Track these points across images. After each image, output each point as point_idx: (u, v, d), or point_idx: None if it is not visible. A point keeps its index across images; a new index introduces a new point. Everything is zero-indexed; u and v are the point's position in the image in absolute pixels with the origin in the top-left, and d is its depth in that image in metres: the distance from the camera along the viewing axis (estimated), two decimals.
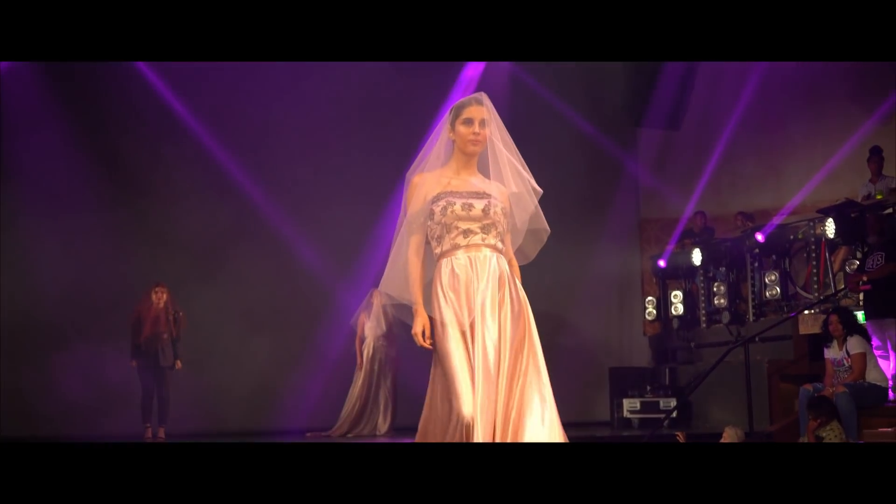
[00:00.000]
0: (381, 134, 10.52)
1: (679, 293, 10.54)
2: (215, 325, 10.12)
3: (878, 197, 8.93)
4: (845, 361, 7.38)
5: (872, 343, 7.56)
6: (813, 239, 9.12)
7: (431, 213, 3.61)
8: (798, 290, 9.40)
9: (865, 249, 8.12)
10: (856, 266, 8.15)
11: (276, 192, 10.67)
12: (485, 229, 3.60)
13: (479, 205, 3.60)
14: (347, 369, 9.86)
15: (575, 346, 10.92)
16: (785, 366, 8.59)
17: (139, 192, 10.54)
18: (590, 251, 11.16)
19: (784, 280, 9.38)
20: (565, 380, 10.09)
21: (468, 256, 3.58)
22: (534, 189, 3.70)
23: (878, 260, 7.62)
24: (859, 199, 9.18)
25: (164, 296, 9.00)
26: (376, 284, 9.54)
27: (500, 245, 3.63)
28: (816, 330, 8.04)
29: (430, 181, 3.68)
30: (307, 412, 10.05)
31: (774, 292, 9.32)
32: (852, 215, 8.63)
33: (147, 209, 10.53)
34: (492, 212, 3.59)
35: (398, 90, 10.63)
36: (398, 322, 9.49)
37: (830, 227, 8.73)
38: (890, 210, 8.72)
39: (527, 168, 3.70)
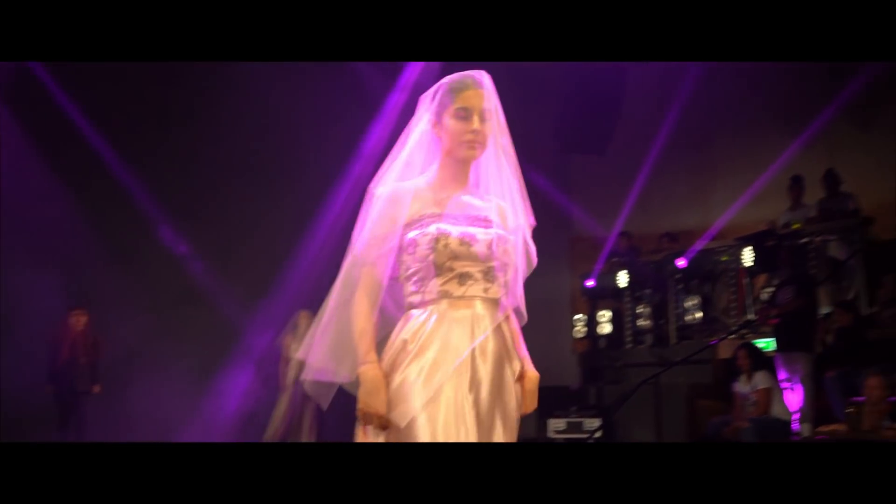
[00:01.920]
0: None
1: (607, 312, 10.62)
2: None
3: (795, 227, 9.06)
4: (752, 396, 7.51)
5: (780, 375, 7.67)
6: (733, 265, 9.25)
7: (410, 244, 2.54)
8: (718, 315, 9.53)
9: (777, 282, 8.23)
10: (770, 295, 8.27)
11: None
12: (488, 276, 2.53)
13: (482, 237, 2.54)
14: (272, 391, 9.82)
15: None
16: (703, 389, 8.73)
17: None
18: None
19: (705, 304, 9.50)
20: None
21: (462, 314, 2.51)
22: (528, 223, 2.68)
23: (789, 294, 7.73)
24: (779, 226, 9.31)
25: (83, 319, 8.90)
26: (303, 306, 9.75)
27: (504, 300, 2.58)
28: None
29: (405, 196, 2.58)
30: (231, 434, 10.00)
31: (695, 317, 9.45)
32: (769, 244, 8.75)
33: None
34: (499, 250, 2.54)
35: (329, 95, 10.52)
36: None
37: (748, 256, 8.86)
38: (807, 240, 8.87)
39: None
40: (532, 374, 2.63)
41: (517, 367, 2.61)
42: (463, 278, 2.50)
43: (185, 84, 9.83)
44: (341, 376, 2.59)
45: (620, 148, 10.76)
